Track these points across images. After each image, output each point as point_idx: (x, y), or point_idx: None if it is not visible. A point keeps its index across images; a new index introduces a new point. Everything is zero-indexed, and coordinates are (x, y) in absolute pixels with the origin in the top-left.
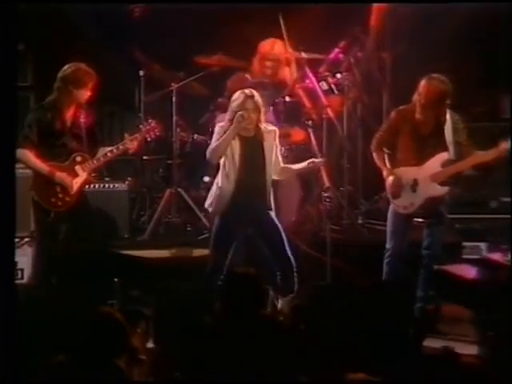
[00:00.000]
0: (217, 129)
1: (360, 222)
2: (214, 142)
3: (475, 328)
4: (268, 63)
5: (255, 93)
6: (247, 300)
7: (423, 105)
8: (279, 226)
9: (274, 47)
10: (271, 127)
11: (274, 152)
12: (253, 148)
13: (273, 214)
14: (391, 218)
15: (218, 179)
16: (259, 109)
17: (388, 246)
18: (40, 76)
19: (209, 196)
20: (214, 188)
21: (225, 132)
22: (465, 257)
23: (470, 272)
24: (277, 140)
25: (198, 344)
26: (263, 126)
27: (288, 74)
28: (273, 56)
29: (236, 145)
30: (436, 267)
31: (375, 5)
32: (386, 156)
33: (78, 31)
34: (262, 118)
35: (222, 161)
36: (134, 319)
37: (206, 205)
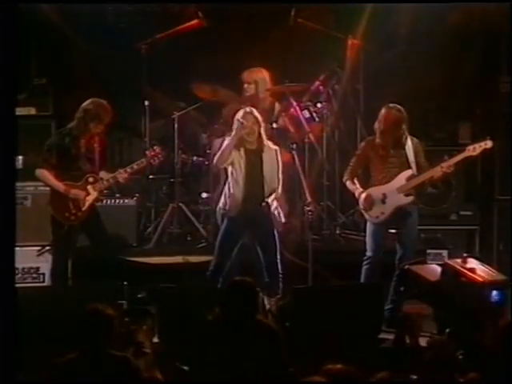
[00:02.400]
0: (225, 141)
1: (337, 232)
2: (220, 150)
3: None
4: (246, 86)
5: (254, 109)
6: (242, 304)
7: (382, 130)
8: (276, 236)
9: (251, 72)
10: (273, 146)
11: (276, 169)
12: (254, 160)
13: (275, 229)
14: (369, 230)
15: (230, 186)
16: (259, 123)
17: (368, 254)
18: (59, 106)
19: (221, 200)
20: (225, 193)
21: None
22: (429, 262)
23: (433, 274)
24: (279, 159)
25: (197, 339)
26: (265, 140)
27: (276, 104)
28: (250, 79)
29: (242, 155)
30: (406, 266)
31: (350, 42)
32: (356, 181)
33: (92, 67)
34: (263, 131)
35: (230, 169)
36: (140, 317)
37: (218, 208)
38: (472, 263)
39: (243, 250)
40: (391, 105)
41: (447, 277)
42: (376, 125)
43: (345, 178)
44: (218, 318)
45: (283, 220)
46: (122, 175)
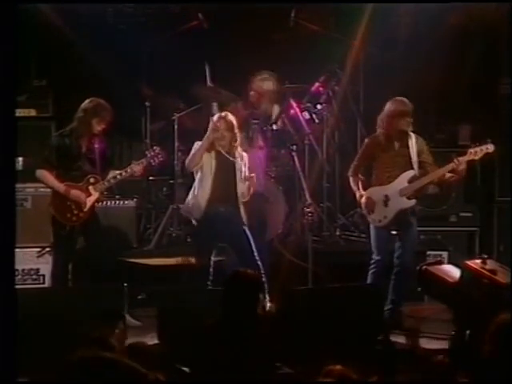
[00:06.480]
0: (194, 145)
1: (337, 233)
2: (191, 153)
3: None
4: (253, 93)
5: (230, 115)
6: (245, 299)
7: (386, 122)
8: (251, 240)
9: (262, 81)
10: (242, 152)
11: (243, 174)
12: (225, 163)
13: (247, 229)
14: (373, 234)
15: (195, 188)
16: (232, 129)
17: (375, 257)
18: (59, 108)
19: (185, 202)
20: (189, 196)
21: None
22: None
23: (452, 275)
24: (246, 165)
25: (197, 340)
26: (237, 146)
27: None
28: (260, 88)
29: (212, 158)
30: (424, 267)
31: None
32: (359, 181)
33: (92, 69)
34: (237, 137)
35: (199, 173)
36: (112, 319)
37: (182, 210)
38: (492, 265)
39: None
40: (397, 98)
41: (467, 278)
42: (380, 116)
43: (349, 173)
44: (221, 315)
45: (246, 223)
46: (136, 167)
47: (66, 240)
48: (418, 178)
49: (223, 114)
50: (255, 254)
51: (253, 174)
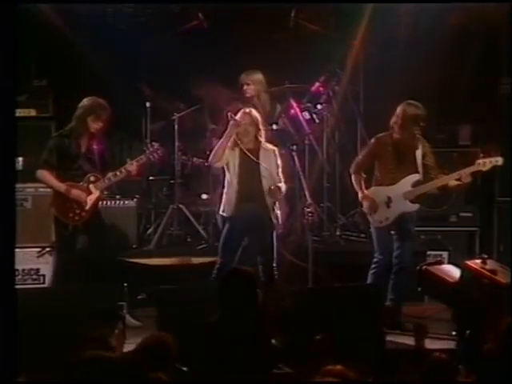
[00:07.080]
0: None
1: (338, 233)
2: (214, 149)
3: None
4: (246, 87)
5: (253, 110)
6: (243, 296)
7: (400, 125)
8: (275, 245)
9: (248, 74)
10: (271, 146)
11: (275, 170)
12: (249, 161)
13: (274, 232)
14: (375, 233)
15: (225, 186)
16: (256, 124)
17: (377, 256)
18: (59, 108)
19: (222, 203)
20: (223, 196)
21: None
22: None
23: (452, 275)
24: (278, 159)
25: (197, 339)
26: (262, 141)
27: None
28: (248, 80)
29: (236, 156)
30: (424, 267)
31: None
32: (362, 180)
33: (92, 69)
34: (261, 133)
35: (227, 172)
36: (112, 320)
37: (220, 211)
38: (492, 265)
39: (242, 250)
40: (410, 101)
41: (467, 278)
42: (393, 120)
43: (351, 170)
44: (219, 315)
45: (280, 222)
46: (131, 167)
47: (68, 240)
48: (422, 183)
49: (247, 109)
50: (275, 255)
51: (280, 184)
